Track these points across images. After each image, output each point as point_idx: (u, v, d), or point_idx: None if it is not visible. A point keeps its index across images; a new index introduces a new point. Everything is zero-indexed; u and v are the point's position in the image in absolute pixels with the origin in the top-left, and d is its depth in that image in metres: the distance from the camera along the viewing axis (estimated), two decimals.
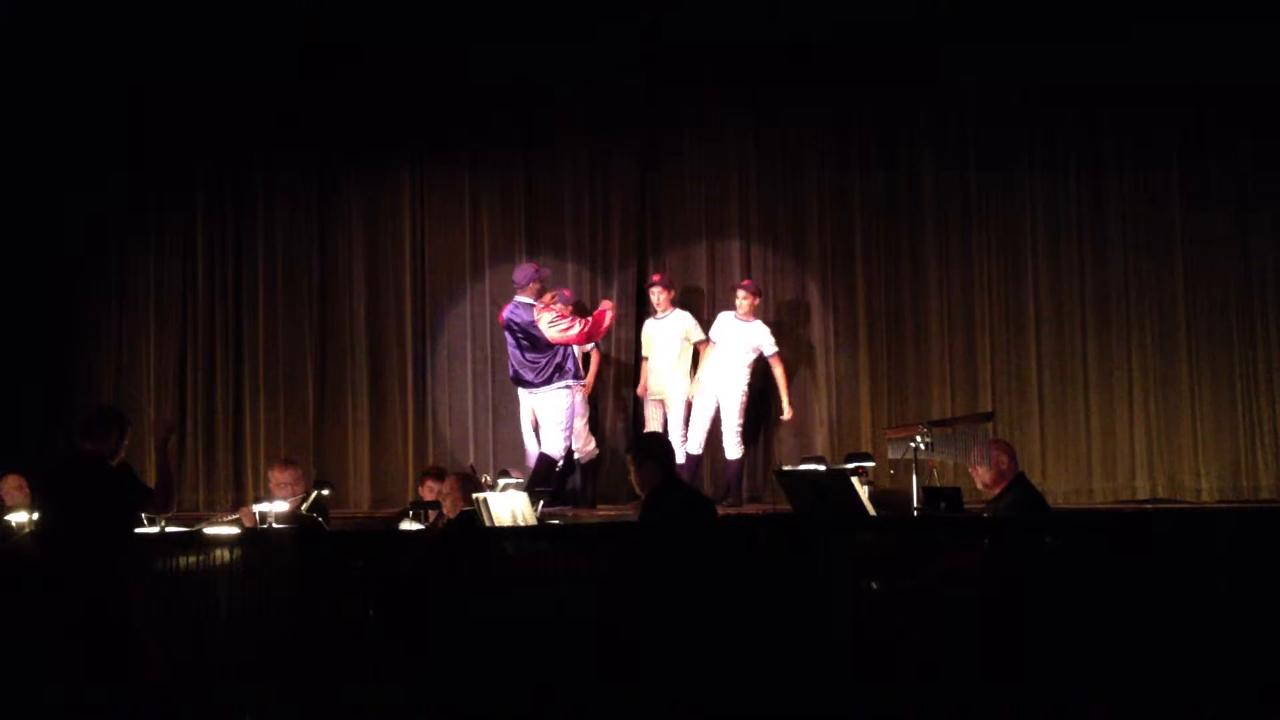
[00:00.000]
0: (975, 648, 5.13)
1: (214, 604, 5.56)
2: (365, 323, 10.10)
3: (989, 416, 7.95)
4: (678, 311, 9.21)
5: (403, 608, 5.56)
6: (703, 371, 9.06)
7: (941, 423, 7.46)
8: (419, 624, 5.50)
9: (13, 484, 7.62)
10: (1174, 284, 8.72)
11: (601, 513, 8.70)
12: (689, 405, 9.12)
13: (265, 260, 10.25)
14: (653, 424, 9.17)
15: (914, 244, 9.25)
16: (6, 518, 6.82)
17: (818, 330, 9.44)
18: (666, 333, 9.19)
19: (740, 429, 8.94)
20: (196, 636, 5.51)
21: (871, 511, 6.48)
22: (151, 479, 5.79)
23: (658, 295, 9.17)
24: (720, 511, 6.76)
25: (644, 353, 9.31)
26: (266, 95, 9.98)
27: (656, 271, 9.45)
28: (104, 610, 5.11)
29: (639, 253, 9.75)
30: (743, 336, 8.99)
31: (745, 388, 8.98)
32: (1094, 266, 8.89)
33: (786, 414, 8.93)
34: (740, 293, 9.01)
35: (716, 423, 9.03)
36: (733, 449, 8.96)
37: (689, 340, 9.16)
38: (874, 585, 5.41)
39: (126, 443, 5.50)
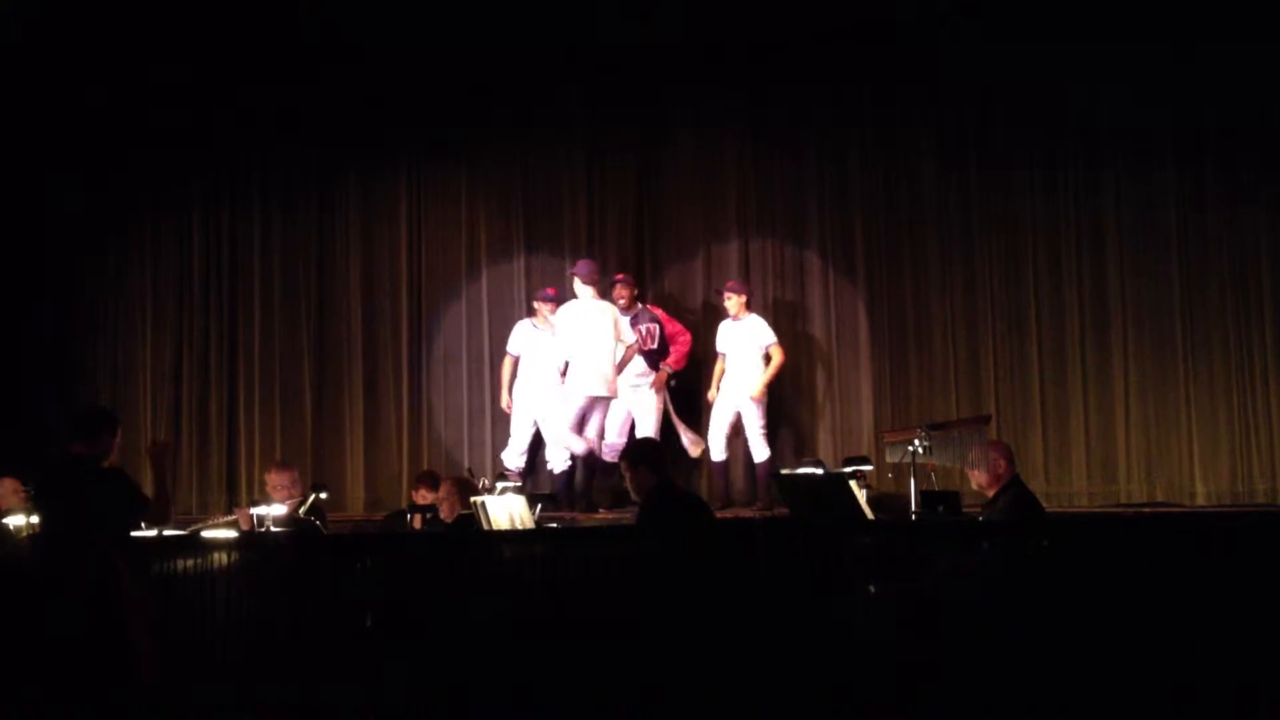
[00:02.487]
0: (974, 651, 5.13)
1: (212, 606, 5.55)
2: (361, 325, 10.11)
3: (986, 419, 7.94)
4: (601, 302, 8.98)
5: (400, 610, 5.56)
6: (723, 381, 9.01)
7: (939, 426, 7.46)
8: (417, 626, 5.50)
9: (9, 487, 7.61)
10: (1171, 288, 8.71)
11: (600, 516, 8.69)
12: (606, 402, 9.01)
13: (261, 262, 10.27)
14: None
15: (915, 246, 9.22)
16: (3, 521, 6.82)
17: (819, 333, 9.42)
18: (588, 323, 8.92)
19: (764, 430, 8.91)
20: (195, 638, 5.51)
21: (870, 515, 6.48)
22: (147, 488, 5.80)
23: (578, 283, 8.94)
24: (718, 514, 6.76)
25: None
26: (263, 95, 9.99)
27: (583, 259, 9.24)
28: (101, 612, 5.10)
29: (637, 253, 9.74)
30: (744, 337, 8.97)
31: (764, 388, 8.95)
32: (1092, 269, 8.88)
33: (757, 393, 8.86)
34: (726, 294, 9.01)
35: (738, 429, 8.99)
36: (760, 451, 8.91)
37: (615, 333, 8.95)
38: (872, 589, 5.41)
39: (118, 442, 5.51)
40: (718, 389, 9.06)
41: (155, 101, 9.98)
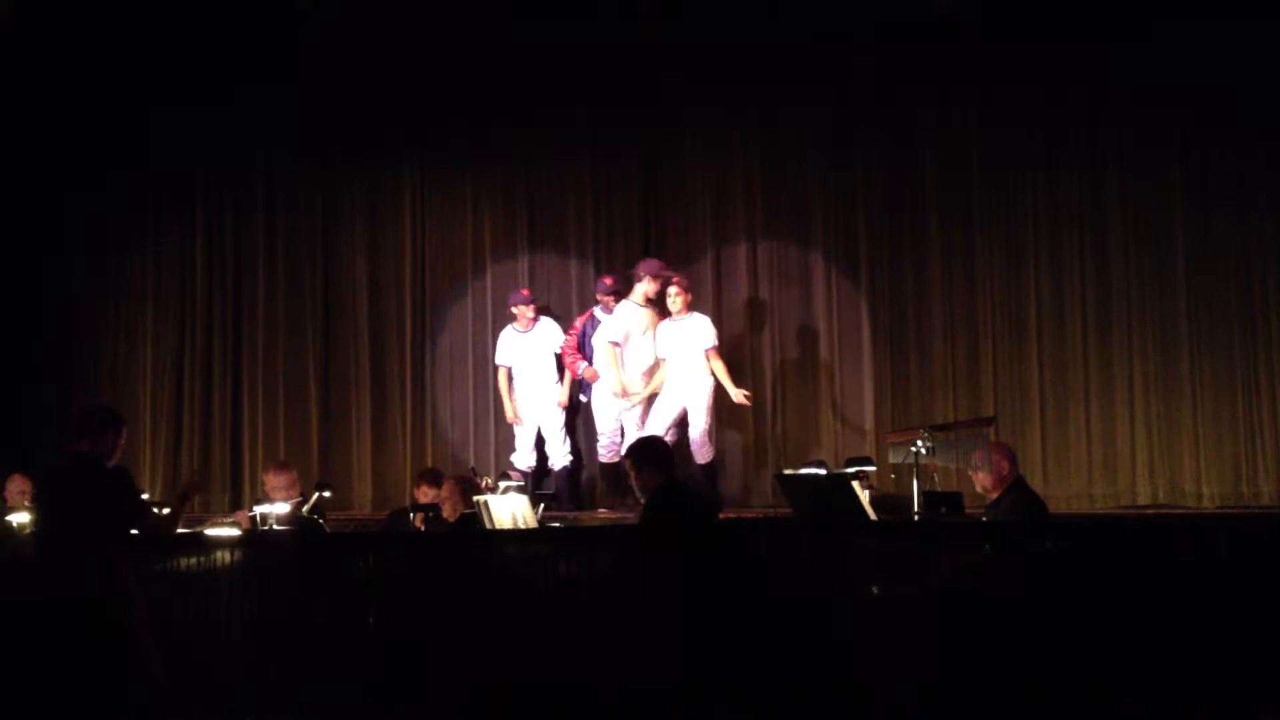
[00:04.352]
0: (976, 652, 5.13)
1: (215, 605, 5.56)
2: (366, 323, 10.10)
3: (989, 421, 7.92)
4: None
5: (403, 608, 5.56)
6: (665, 384, 8.78)
7: (942, 427, 7.44)
8: (419, 625, 5.50)
9: (18, 485, 7.63)
10: (1175, 288, 8.70)
11: (603, 516, 8.69)
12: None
13: (266, 260, 10.27)
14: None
15: (916, 246, 9.22)
16: (7, 518, 6.83)
17: (821, 333, 9.40)
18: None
19: (708, 431, 8.72)
20: (197, 637, 5.51)
21: (872, 516, 6.47)
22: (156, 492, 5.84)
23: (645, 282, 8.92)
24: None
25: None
26: (267, 95, 9.99)
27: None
28: (103, 610, 5.11)
29: (643, 253, 9.72)
30: (687, 336, 8.74)
31: (711, 387, 8.73)
32: (1095, 270, 8.88)
33: (738, 397, 8.62)
34: (673, 290, 8.76)
35: (683, 428, 8.78)
36: (701, 453, 8.71)
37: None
38: (875, 590, 5.41)
39: (122, 442, 5.51)
40: (655, 389, 8.82)
41: (158, 100, 9.99)
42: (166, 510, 5.66)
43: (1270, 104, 8.42)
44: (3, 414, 9.81)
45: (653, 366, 8.84)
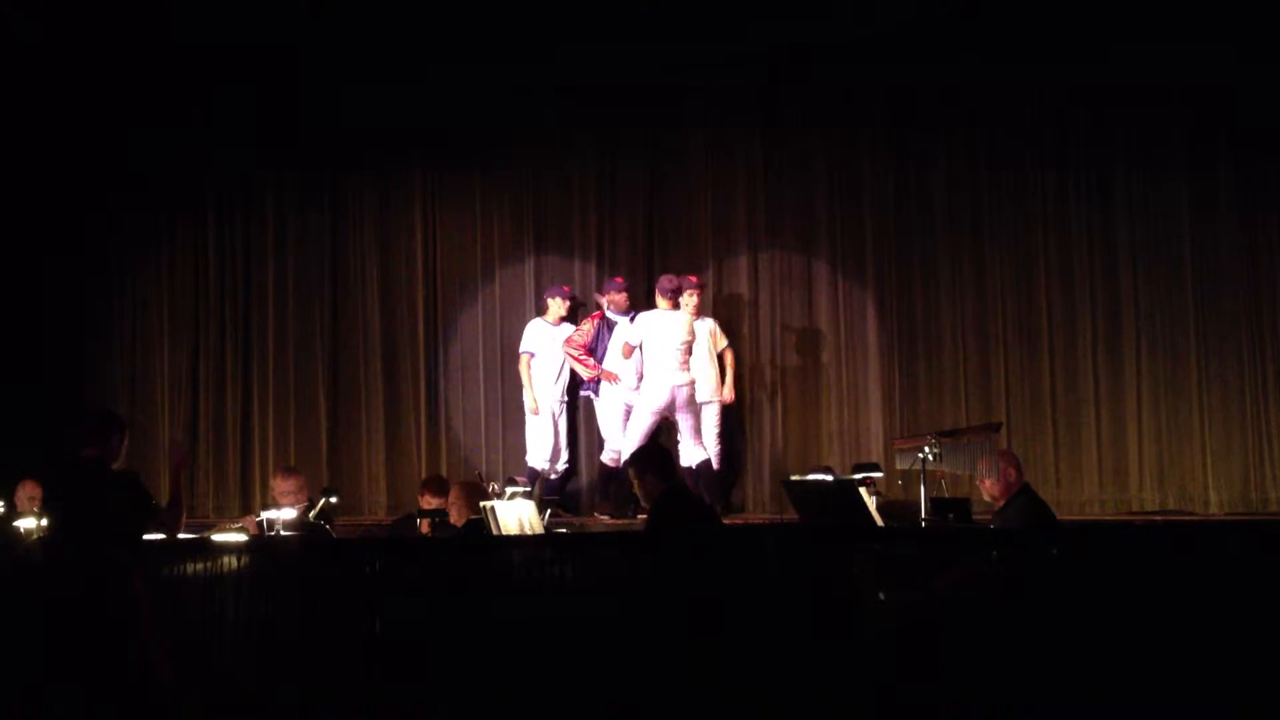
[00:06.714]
0: (983, 659, 5.12)
1: (221, 609, 5.57)
2: (378, 329, 10.13)
3: (997, 427, 7.92)
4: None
5: (409, 614, 5.57)
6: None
7: (950, 433, 7.44)
8: (425, 631, 5.51)
9: (28, 491, 7.66)
10: (1184, 295, 8.68)
11: (609, 522, 8.69)
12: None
13: (277, 267, 10.30)
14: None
15: (925, 252, 9.20)
16: (16, 524, 6.85)
17: (828, 339, 9.40)
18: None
19: (719, 435, 8.87)
20: (203, 641, 5.53)
21: (879, 522, 6.47)
22: (160, 494, 5.84)
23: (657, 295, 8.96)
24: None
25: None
26: (276, 103, 10.02)
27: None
28: (109, 614, 5.13)
29: (646, 258, 9.73)
30: (700, 334, 8.85)
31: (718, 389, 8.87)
32: (1105, 277, 8.86)
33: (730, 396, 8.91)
34: (687, 291, 8.83)
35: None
36: (713, 453, 8.79)
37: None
38: (882, 596, 5.41)
39: (126, 444, 5.53)
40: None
41: (168, 109, 10.02)
42: (167, 501, 5.65)
43: (1277, 110, 8.41)
44: (18, 421, 9.84)
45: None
